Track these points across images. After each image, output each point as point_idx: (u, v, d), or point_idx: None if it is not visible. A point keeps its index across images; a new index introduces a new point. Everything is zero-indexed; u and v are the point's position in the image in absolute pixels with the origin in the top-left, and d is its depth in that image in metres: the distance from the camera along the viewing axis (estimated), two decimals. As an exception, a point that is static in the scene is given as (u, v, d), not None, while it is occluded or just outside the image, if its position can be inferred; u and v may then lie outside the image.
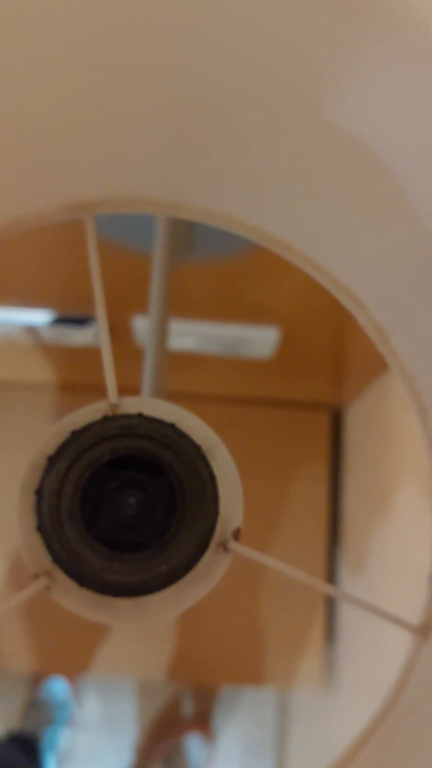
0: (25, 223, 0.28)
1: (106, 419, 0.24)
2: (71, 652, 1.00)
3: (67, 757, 1.06)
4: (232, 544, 0.24)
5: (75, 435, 0.23)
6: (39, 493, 0.23)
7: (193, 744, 1.06)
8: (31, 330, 0.80)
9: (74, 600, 0.23)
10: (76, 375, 0.94)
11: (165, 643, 0.97)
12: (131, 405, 0.25)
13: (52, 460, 0.23)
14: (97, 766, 1.09)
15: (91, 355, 0.83)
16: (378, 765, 0.27)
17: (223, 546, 0.24)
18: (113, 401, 0.24)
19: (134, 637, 0.97)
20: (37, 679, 1.08)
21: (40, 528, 0.23)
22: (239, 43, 0.22)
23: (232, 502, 0.24)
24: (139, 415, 0.24)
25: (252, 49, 0.22)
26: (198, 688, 1.12)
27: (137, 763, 1.08)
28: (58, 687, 1.07)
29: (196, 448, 0.24)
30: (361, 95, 0.22)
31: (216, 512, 0.24)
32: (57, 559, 0.23)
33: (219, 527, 0.24)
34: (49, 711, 1.06)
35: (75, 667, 1.05)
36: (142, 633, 0.97)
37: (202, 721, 1.09)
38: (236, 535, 0.24)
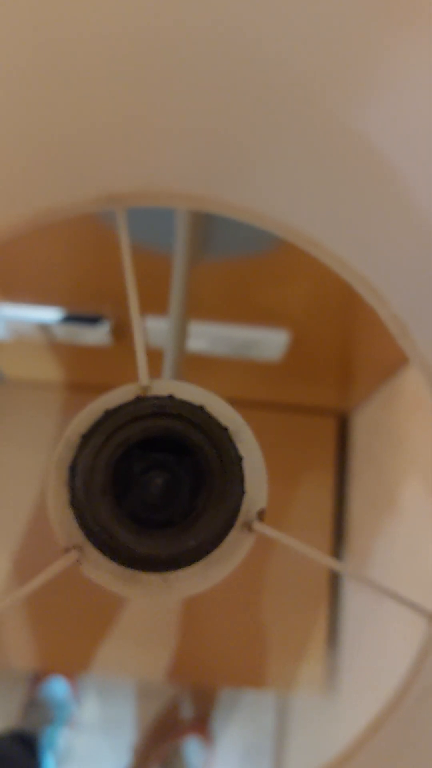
0: (58, 213, 0.29)
1: (138, 399, 0.25)
2: (72, 652, 1.00)
3: (65, 757, 1.06)
4: (257, 525, 0.25)
5: (108, 414, 0.24)
6: (73, 469, 0.24)
7: (192, 747, 1.06)
8: (43, 327, 0.80)
9: (104, 574, 0.24)
10: (86, 374, 0.94)
11: (165, 645, 0.97)
12: (162, 388, 0.25)
13: (86, 437, 0.24)
14: (95, 766, 1.09)
15: (102, 354, 0.83)
16: (388, 753, 0.27)
17: (248, 526, 0.25)
18: (145, 383, 0.25)
19: (135, 638, 0.97)
20: (37, 679, 1.08)
21: (73, 502, 0.24)
22: (266, 43, 0.23)
23: (257, 484, 0.25)
24: (170, 397, 0.25)
25: (280, 50, 0.23)
26: (198, 691, 1.12)
27: (135, 765, 1.08)
28: (58, 687, 1.07)
29: (224, 430, 0.25)
30: (381, 102, 0.23)
31: (242, 492, 0.24)
32: (89, 534, 0.24)
33: (244, 507, 0.25)
34: (49, 711, 1.06)
35: (75, 667, 1.05)
36: (142, 634, 0.97)
37: (201, 725, 1.09)
38: (261, 515, 0.25)
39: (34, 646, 0.98)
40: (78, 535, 0.24)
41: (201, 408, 0.25)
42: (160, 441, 0.25)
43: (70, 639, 0.98)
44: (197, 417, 0.24)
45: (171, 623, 0.97)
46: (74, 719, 1.08)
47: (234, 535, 0.24)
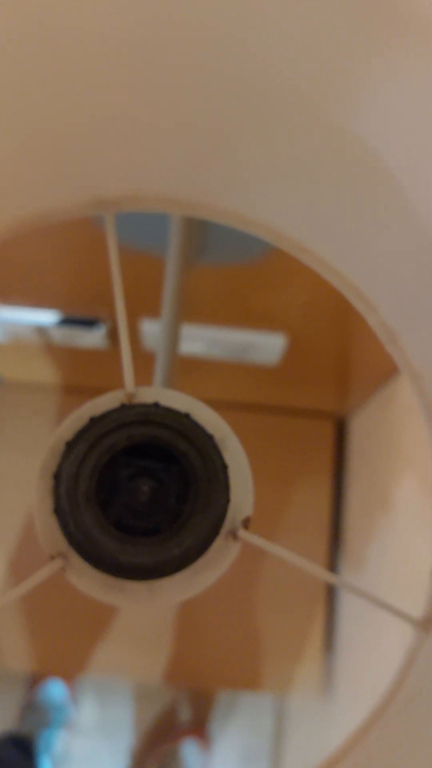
0: (49, 217, 0.29)
1: (123, 407, 0.25)
2: (69, 655, 1.00)
3: (62, 760, 1.06)
4: (242, 533, 0.25)
5: (93, 421, 0.24)
6: (57, 476, 0.24)
7: (189, 750, 1.06)
8: (39, 330, 0.80)
9: (88, 582, 0.24)
10: (82, 377, 0.94)
11: (163, 648, 0.97)
12: (147, 395, 0.25)
13: (70, 445, 0.24)
14: (92, 770, 1.09)
15: (98, 357, 0.83)
16: (376, 757, 0.27)
17: (233, 534, 0.25)
18: (130, 390, 0.25)
19: (132, 641, 0.97)
20: (34, 681, 1.08)
21: (57, 510, 0.24)
22: (259, 48, 0.23)
23: (243, 492, 0.25)
24: (156, 405, 0.25)
25: (273, 54, 0.23)
26: (195, 693, 1.12)
27: (133, 768, 1.08)
28: (55, 689, 1.07)
29: (209, 438, 0.25)
30: (379, 107, 0.23)
31: (227, 500, 0.24)
32: (72, 541, 0.24)
33: (230, 515, 0.25)
34: (46, 713, 1.06)
35: (72, 670, 1.05)
36: (140, 636, 0.97)
37: (199, 728, 1.09)
38: (246, 523, 0.25)
39: (31, 648, 0.98)
40: (62, 543, 0.24)
41: (186, 416, 0.25)
42: (147, 448, 0.25)
43: (67, 641, 0.98)
44: (182, 425, 0.24)
45: (168, 626, 0.97)
46: (71, 722, 1.08)
47: (219, 543, 0.24)
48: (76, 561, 0.24)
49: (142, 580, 0.24)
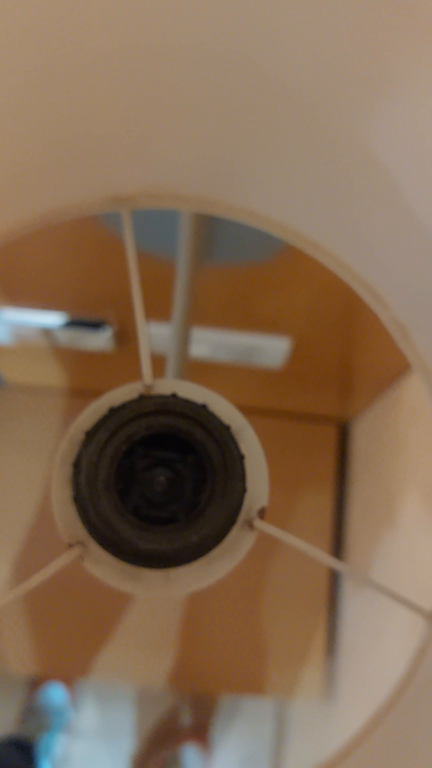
0: (63, 215, 0.30)
1: (142, 398, 0.25)
2: (70, 657, 1.00)
3: (62, 764, 1.06)
4: (257, 522, 0.25)
5: (112, 411, 0.25)
6: (77, 465, 0.24)
7: (190, 755, 1.06)
8: (45, 332, 0.80)
9: (106, 570, 0.24)
10: (87, 380, 0.94)
11: (165, 651, 0.97)
12: (164, 387, 0.26)
13: (90, 434, 0.24)
14: (93, 774, 1.08)
15: (104, 360, 0.84)
16: (382, 752, 0.28)
17: (249, 523, 0.25)
18: (148, 382, 0.25)
19: (134, 645, 0.97)
20: (34, 685, 1.08)
21: (77, 498, 0.24)
22: (272, 53, 0.24)
23: (258, 482, 0.25)
24: (173, 396, 0.25)
25: (284, 62, 0.24)
26: (197, 698, 1.11)
27: (133, 773, 1.07)
28: (55, 693, 1.07)
29: (226, 428, 0.25)
30: (384, 111, 0.24)
31: (244, 490, 0.25)
32: (91, 529, 0.24)
33: (246, 505, 0.25)
34: (46, 717, 1.05)
35: (73, 673, 1.05)
36: (142, 640, 0.97)
37: (201, 732, 1.09)
38: (261, 513, 0.25)
39: (32, 650, 0.98)
40: (81, 531, 0.24)
41: (204, 406, 0.25)
42: (164, 439, 0.26)
43: (68, 644, 0.98)
44: (200, 415, 0.25)
45: (171, 629, 0.97)
46: (72, 725, 1.07)
47: (235, 532, 0.25)
48: (94, 549, 0.24)
49: (159, 568, 0.24)
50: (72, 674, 1.06)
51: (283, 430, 0.98)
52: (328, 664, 0.96)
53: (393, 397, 0.83)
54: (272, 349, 0.80)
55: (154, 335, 0.79)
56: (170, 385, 0.26)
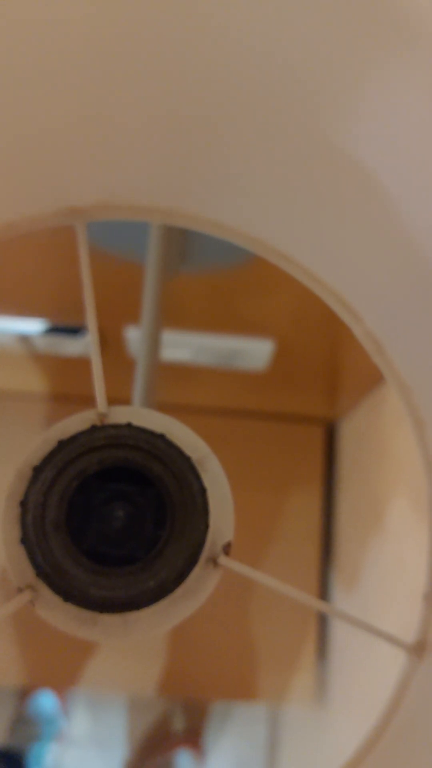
0: (18, 227, 0.28)
1: (94, 429, 0.23)
2: (60, 666, 0.99)
3: (54, 773, 1.05)
4: (222, 559, 0.23)
5: (62, 444, 0.23)
6: (24, 504, 0.23)
7: (183, 761, 1.05)
8: (24, 339, 0.79)
9: (59, 615, 0.22)
10: (67, 385, 0.93)
11: (156, 659, 0.96)
12: (120, 414, 0.24)
13: (37, 470, 0.23)
14: (85, 782, 1.07)
15: (84, 365, 0.82)
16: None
17: (213, 561, 0.23)
18: (102, 410, 0.24)
19: (125, 652, 0.96)
20: (24, 693, 1.07)
21: (24, 540, 0.22)
22: (239, 56, 0.22)
23: (223, 516, 0.24)
24: (128, 425, 0.23)
25: (252, 63, 0.22)
26: (189, 704, 1.11)
27: (126, 780, 1.07)
28: (46, 701, 1.06)
29: (186, 460, 0.23)
30: (361, 115, 0.22)
31: (206, 526, 0.23)
32: (41, 573, 0.22)
33: (209, 541, 0.23)
34: (37, 726, 1.04)
35: (64, 681, 1.04)
36: (132, 648, 0.96)
37: (193, 738, 1.08)
38: (227, 549, 0.24)
39: (21, 660, 0.97)
40: (30, 575, 0.22)
41: (161, 436, 0.23)
42: (121, 471, 0.24)
43: (58, 652, 0.97)
44: (157, 447, 0.23)
45: (162, 636, 0.96)
46: (63, 734, 1.06)
47: (198, 571, 0.23)
48: (46, 593, 0.22)
49: (116, 613, 0.22)
50: (62, 682, 1.04)
51: (270, 431, 0.97)
52: (320, 668, 0.95)
53: (379, 397, 0.82)
54: (256, 352, 0.79)
55: (135, 339, 0.77)
56: (127, 412, 0.24)
